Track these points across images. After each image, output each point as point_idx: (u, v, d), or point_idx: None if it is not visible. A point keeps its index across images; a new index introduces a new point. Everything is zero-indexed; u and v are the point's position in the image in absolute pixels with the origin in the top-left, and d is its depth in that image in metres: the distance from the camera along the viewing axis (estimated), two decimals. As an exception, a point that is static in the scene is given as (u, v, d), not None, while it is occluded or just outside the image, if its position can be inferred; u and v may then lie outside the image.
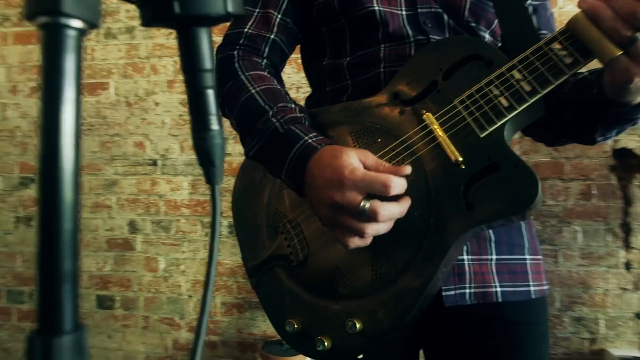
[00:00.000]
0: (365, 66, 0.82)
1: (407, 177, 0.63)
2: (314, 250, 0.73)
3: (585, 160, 2.14)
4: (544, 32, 0.87)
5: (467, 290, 0.72)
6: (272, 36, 0.86)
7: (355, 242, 0.62)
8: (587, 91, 0.69)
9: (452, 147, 0.65)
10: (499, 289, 0.73)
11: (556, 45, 0.61)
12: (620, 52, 0.55)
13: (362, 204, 0.59)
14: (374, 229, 0.61)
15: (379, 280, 0.67)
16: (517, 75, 0.63)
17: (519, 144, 2.14)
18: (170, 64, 2.43)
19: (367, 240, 0.62)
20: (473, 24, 0.82)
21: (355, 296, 0.69)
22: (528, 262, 0.77)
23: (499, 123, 0.63)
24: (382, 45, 0.80)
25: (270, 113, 0.74)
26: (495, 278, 0.74)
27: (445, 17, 0.80)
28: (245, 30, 0.86)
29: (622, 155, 2.15)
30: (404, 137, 0.69)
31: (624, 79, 0.56)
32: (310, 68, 0.94)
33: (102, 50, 2.50)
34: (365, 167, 0.64)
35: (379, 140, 0.72)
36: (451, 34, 0.81)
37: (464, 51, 0.69)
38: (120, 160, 2.46)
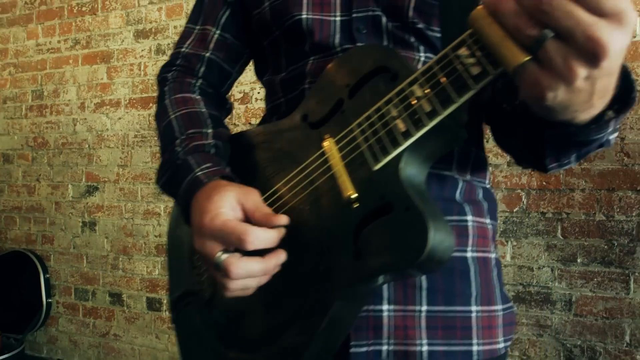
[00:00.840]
0: (294, 82, 0.73)
1: (300, 214, 0.54)
2: (217, 290, 0.66)
3: (666, 168, 1.79)
4: None
5: (384, 348, 0.60)
6: (207, 54, 0.81)
7: (226, 293, 0.55)
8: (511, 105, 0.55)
9: (347, 181, 0.54)
10: (425, 348, 0.60)
11: (463, 51, 0.47)
12: (527, 58, 0.40)
13: (217, 256, 0.52)
14: (234, 285, 0.53)
15: (269, 332, 0.58)
16: (418, 92, 0.50)
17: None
18: (211, 75, 2.49)
19: (236, 293, 0.55)
20: (421, 25, 0.69)
21: (248, 348, 0.61)
22: (474, 314, 0.63)
23: (394, 153, 0.51)
24: (311, 58, 0.72)
25: (178, 141, 0.69)
26: (423, 334, 0.61)
27: (384, 20, 0.69)
28: (183, 50, 0.84)
29: None
30: (303, 165, 0.60)
31: (535, 93, 0.41)
32: (262, 84, 0.88)
33: (153, 66, 2.63)
34: (244, 211, 0.57)
35: (286, 168, 0.63)
36: (390, 41, 0.69)
37: (372, 63, 0.57)
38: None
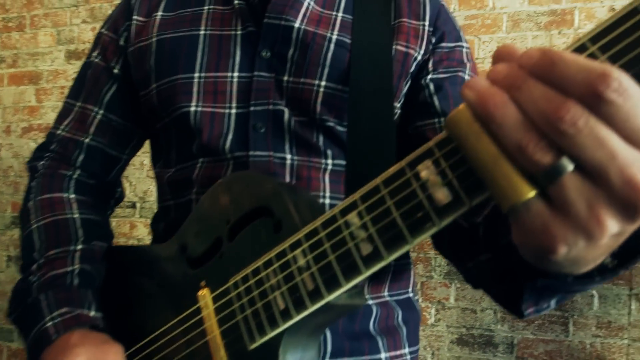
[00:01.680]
0: (181, 187, 0.64)
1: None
2: None
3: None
4: None
5: None
6: (87, 140, 0.70)
7: None
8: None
9: (222, 353, 0.45)
10: None
11: (354, 218, 0.38)
12: (533, 194, 0.28)
13: None
14: None
15: None
16: (301, 260, 0.41)
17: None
18: (148, 103, 2.34)
19: None
20: (331, 122, 0.61)
21: None
22: None
23: (271, 334, 0.42)
24: (200, 161, 0.62)
25: (34, 267, 0.58)
26: None
27: (287, 115, 0.60)
28: (59, 132, 0.71)
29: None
30: (181, 318, 0.51)
31: (540, 243, 0.28)
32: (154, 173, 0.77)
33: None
34: None
35: (163, 311, 0.54)
36: (293, 143, 0.61)
37: (255, 200, 0.48)
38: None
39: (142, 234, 2.32)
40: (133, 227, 2.33)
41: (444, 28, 0.66)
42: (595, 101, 0.24)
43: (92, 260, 0.61)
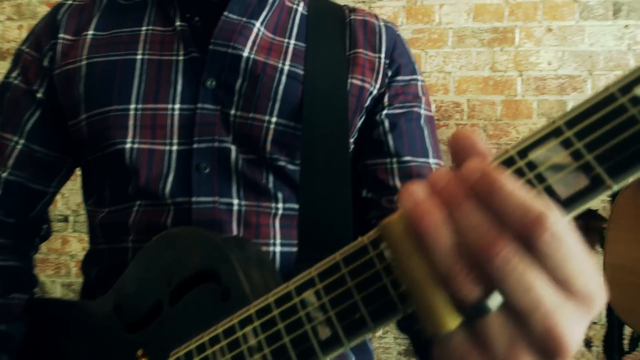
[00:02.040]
0: (116, 232, 0.57)
1: None
2: None
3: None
4: (405, 159, 0.62)
5: None
6: (4, 175, 0.62)
7: None
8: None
9: None
10: None
11: (311, 297, 0.34)
12: (456, 325, 0.26)
13: None
14: None
15: None
16: (252, 341, 0.37)
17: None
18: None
19: None
20: (282, 162, 0.57)
21: None
22: None
23: None
24: (137, 204, 0.56)
25: None
26: None
27: (234, 154, 0.56)
28: None
29: (586, 217, 1.90)
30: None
31: None
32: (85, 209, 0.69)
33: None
34: None
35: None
36: (240, 186, 0.56)
37: (199, 261, 0.44)
38: (29, 215, 2.21)
39: (75, 249, 2.16)
40: (65, 242, 2.17)
41: (400, 61, 0.64)
42: (530, 243, 0.24)
43: (9, 317, 0.54)
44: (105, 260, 0.59)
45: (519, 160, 0.27)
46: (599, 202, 1.85)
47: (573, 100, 1.84)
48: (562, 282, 0.25)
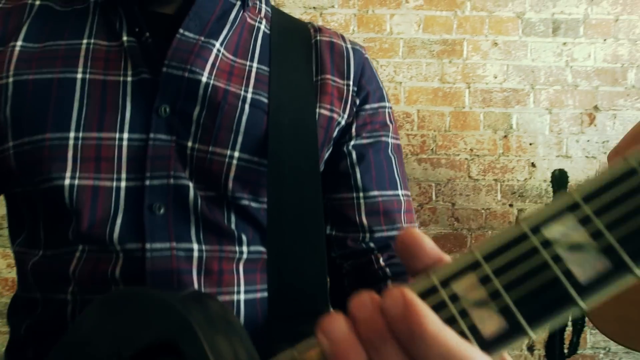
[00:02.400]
0: (53, 281, 0.50)
1: None
2: None
3: (489, 231, 1.94)
4: (373, 194, 0.59)
5: None
6: None
7: None
8: None
9: None
10: None
11: None
12: None
13: None
14: None
15: None
16: None
17: (417, 213, 1.91)
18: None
19: None
20: (245, 201, 0.52)
21: None
22: None
23: None
24: (79, 248, 0.49)
25: None
26: None
27: (192, 192, 0.50)
28: None
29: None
30: None
31: None
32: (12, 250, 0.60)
33: None
34: None
35: None
36: (200, 228, 0.50)
37: (155, 331, 0.37)
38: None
39: (-1, 266, 1.96)
40: (-13, 258, 1.96)
41: (368, 88, 0.61)
42: None
43: None
44: (39, 312, 0.51)
45: (441, 290, 0.25)
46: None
47: (517, 113, 1.91)
48: None
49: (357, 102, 0.60)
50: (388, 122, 0.62)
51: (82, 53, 0.53)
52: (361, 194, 0.57)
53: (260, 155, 0.51)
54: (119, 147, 0.50)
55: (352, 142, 0.58)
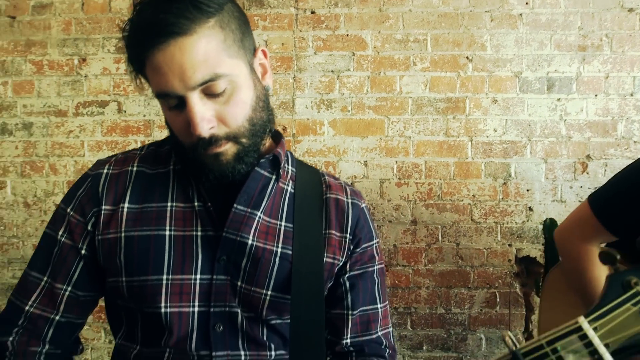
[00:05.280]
0: None
1: None
2: None
3: (490, 268, 2.16)
4: (357, 311, 0.83)
5: None
6: (57, 317, 0.77)
7: None
8: None
9: None
10: None
11: None
12: None
13: None
14: None
15: None
16: None
17: (425, 252, 2.14)
18: (70, 164, 2.31)
19: None
20: (275, 321, 0.77)
21: None
22: None
23: None
24: (167, 350, 0.74)
25: None
26: None
27: (240, 316, 0.75)
28: (27, 308, 0.76)
29: (526, 262, 2.18)
30: None
31: None
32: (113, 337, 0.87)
33: (-3, 146, 2.35)
34: None
35: None
36: (244, 340, 0.76)
37: None
38: (18, 264, 2.32)
39: None
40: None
41: (360, 235, 0.84)
42: None
43: None
44: None
45: None
46: (537, 251, 2.13)
47: (515, 162, 2.11)
48: None
49: (352, 247, 0.84)
50: (375, 254, 0.86)
51: (168, 214, 0.78)
52: (349, 312, 0.82)
53: (285, 292, 0.77)
54: (194, 285, 0.76)
55: (347, 275, 0.83)
